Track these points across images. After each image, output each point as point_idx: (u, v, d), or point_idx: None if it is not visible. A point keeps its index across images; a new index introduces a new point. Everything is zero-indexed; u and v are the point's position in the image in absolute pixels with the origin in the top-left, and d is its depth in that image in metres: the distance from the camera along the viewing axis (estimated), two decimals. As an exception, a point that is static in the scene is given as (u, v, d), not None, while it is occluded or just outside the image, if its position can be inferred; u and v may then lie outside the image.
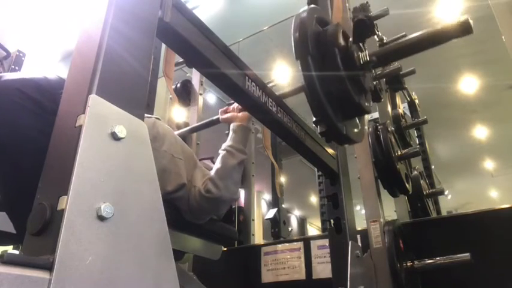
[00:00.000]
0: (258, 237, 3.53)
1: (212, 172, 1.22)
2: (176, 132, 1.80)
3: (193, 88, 2.30)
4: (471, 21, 0.82)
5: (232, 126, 1.31)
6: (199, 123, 1.85)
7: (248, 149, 2.75)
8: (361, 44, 0.96)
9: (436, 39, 0.88)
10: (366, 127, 1.65)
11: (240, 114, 1.35)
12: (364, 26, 0.94)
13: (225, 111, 1.40)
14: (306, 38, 0.87)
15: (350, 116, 1.00)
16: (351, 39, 0.94)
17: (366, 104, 0.98)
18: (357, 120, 1.07)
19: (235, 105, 1.39)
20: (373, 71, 1.08)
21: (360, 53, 0.92)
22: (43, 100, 0.81)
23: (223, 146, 1.27)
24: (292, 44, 0.88)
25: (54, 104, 0.55)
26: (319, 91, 0.86)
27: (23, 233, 0.46)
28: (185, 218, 1.20)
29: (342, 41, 0.90)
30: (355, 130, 1.03)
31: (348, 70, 0.89)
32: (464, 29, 0.83)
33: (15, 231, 0.86)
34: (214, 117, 1.52)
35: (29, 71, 0.90)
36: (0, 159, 0.81)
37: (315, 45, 0.88)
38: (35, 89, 0.82)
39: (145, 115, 1.31)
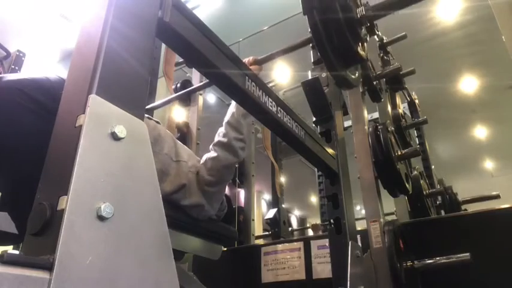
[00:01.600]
0: (258, 237, 3.52)
1: (225, 121, 1.30)
2: (176, 94, 1.83)
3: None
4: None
5: None
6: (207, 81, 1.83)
7: (248, 148, 2.76)
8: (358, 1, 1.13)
9: None
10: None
11: (252, 67, 1.41)
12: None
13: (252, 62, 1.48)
14: None
15: (349, 63, 1.17)
16: None
17: (362, 52, 1.14)
18: (355, 69, 1.29)
19: (247, 59, 1.45)
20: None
21: (357, 8, 1.09)
22: (45, 100, 0.81)
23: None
24: (300, 1, 1.02)
25: (55, 104, 0.55)
26: (324, 40, 1.01)
27: (24, 233, 0.46)
28: (198, 215, 1.22)
29: None
30: (353, 76, 1.23)
31: (347, 22, 1.05)
32: None
33: (17, 231, 0.86)
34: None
35: (30, 72, 0.90)
36: (2, 159, 0.81)
37: (319, 1, 1.03)
38: (37, 90, 0.82)
39: (147, 116, 1.33)
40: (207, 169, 1.24)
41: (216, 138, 1.29)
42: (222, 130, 1.29)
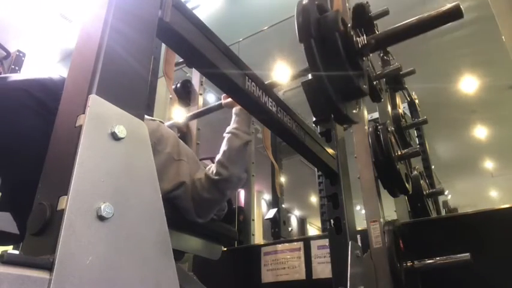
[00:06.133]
0: (258, 237, 3.53)
1: (219, 155, 1.23)
2: (173, 123, 1.82)
3: (193, 88, 2.30)
4: (462, 7, 0.87)
5: (234, 110, 1.32)
6: (201, 109, 1.84)
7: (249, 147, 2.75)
8: (358, 30, 1.03)
9: (429, 24, 0.95)
10: (364, 110, 1.72)
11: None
12: (362, 10, 0.98)
13: (227, 96, 1.42)
14: (308, 22, 0.91)
15: (350, 97, 1.06)
16: (349, 25, 0.99)
17: (364, 86, 1.04)
18: (356, 103, 1.17)
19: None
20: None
21: (358, 38, 0.98)
22: (48, 101, 0.81)
23: (228, 129, 1.28)
24: (296, 28, 0.92)
25: (57, 104, 0.55)
26: (322, 73, 0.90)
27: (25, 233, 0.46)
28: (187, 218, 1.21)
29: (341, 26, 0.94)
30: (354, 111, 1.12)
31: (348, 53, 0.94)
32: (456, 14, 0.87)
33: (18, 231, 0.86)
34: (217, 103, 1.54)
35: (34, 72, 0.90)
36: (6, 159, 0.81)
37: (317, 29, 0.92)
38: (41, 90, 0.83)
39: (150, 118, 1.33)
40: (203, 183, 1.21)
41: (208, 172, 1.23)
42: (213, 167, 1.23)
